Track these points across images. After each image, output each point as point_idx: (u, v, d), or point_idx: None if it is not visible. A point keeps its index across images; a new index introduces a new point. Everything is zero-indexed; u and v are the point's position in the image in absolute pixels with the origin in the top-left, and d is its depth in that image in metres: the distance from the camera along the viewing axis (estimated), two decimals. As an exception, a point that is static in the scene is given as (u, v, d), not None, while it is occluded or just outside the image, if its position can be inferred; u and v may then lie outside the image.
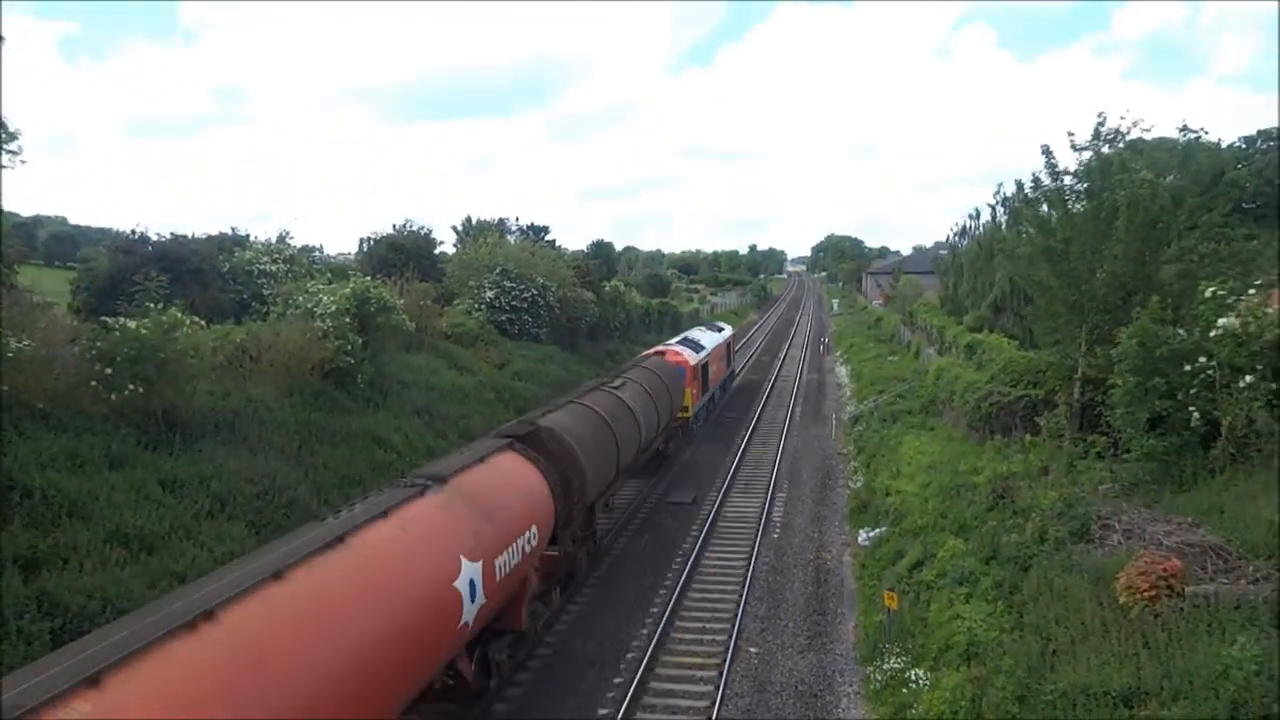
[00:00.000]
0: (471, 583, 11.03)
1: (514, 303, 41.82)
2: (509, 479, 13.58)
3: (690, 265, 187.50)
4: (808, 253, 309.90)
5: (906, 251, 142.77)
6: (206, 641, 6.67)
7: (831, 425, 36.57)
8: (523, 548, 13.06)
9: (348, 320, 24.84)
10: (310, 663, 7.50)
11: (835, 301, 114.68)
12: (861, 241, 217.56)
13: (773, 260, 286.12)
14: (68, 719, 5.14)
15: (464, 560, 10.93)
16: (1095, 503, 15.56)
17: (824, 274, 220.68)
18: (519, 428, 16.39)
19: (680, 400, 29.91)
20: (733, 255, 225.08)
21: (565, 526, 16.18)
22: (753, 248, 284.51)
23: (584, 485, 16.90)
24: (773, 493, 26.67)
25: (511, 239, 59.98)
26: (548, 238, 69.58)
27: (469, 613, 10.98)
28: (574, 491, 16.43)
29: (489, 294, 41.48)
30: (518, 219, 73.18)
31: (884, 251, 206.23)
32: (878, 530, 21.60)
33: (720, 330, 46.38)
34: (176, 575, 13.82)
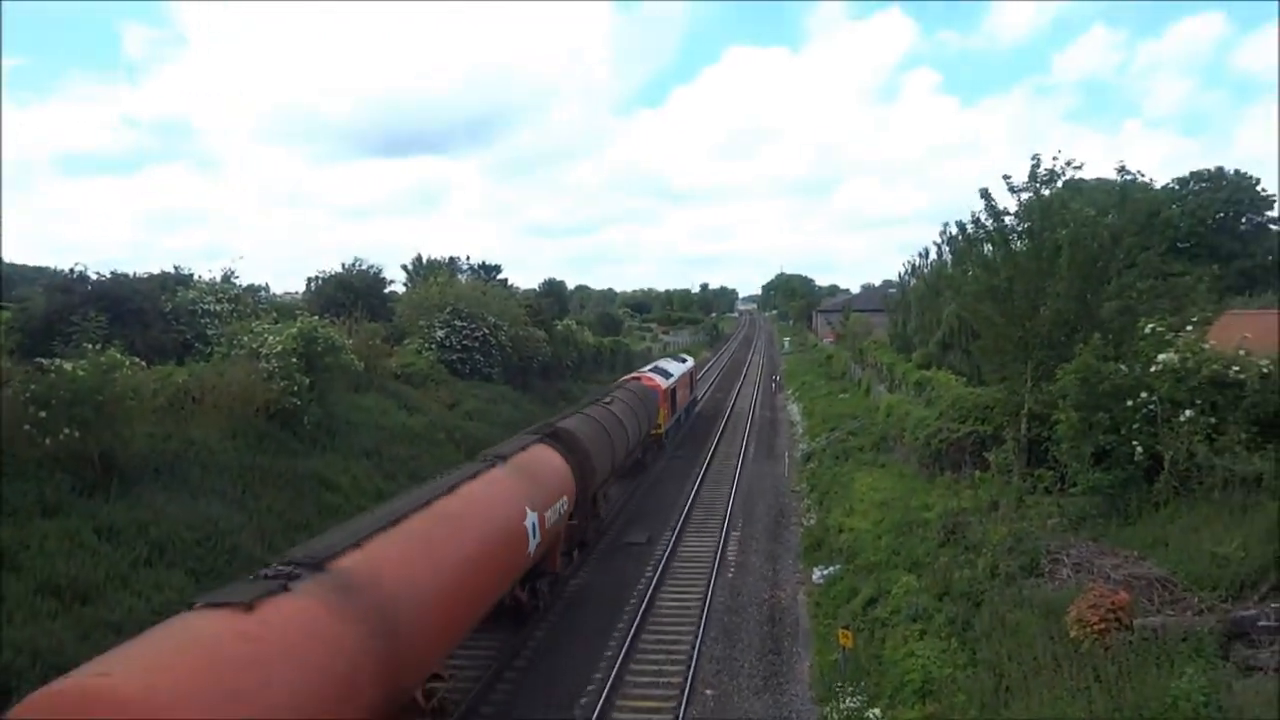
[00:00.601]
0: (533, 525, 16.48)
1: (465, 342, 41.57)
2: (545, 462, 19.25)
3: (643, 304, 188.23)
4: (759, 291, 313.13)
5: (856, 290, 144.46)
6: (401, 532, 11.97)
7: (784, 462, 36.76)
8: (559, 509, 18.57)
9: (294, 360, 24.42)
10: (456, 551, 12.88)
11: (786, 340, 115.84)
12: (812, 280, 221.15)
13: (724, 299, 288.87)
14: (358, 556, 10.54)
15: (528, 509, 16.39)
16: (1044, 537, 15.77)
17: (775, 312, 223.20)
18: (544, 428, 21.92)
19: (655, 418, 36.63)
20: (685, 294, 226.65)
21: (581, 504, 21.56)
22: (704, 286, 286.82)
23: (593, 472, 22.59)
24: (727, 531, 26.62)
25: (462, 278, 59.73)
26: (499, 276, 69.45)
27: (531, 545, 16.43)
28: (587, 475, 21.85)
29: (439, 333, 41.19)
30: (468, 258, 73.04)
31: (834, 290, 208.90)
32: (831, 568, 21.64)
33: (684, 361, 53.03)
34: (112, 626, 13.33)
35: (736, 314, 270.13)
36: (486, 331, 42.47)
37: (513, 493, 16.33)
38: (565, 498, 19.33)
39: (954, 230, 32.24)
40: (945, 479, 23.58)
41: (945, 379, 31.66)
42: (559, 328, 57.24)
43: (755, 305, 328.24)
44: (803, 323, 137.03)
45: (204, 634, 8.16)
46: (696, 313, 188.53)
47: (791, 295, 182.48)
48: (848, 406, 44.37)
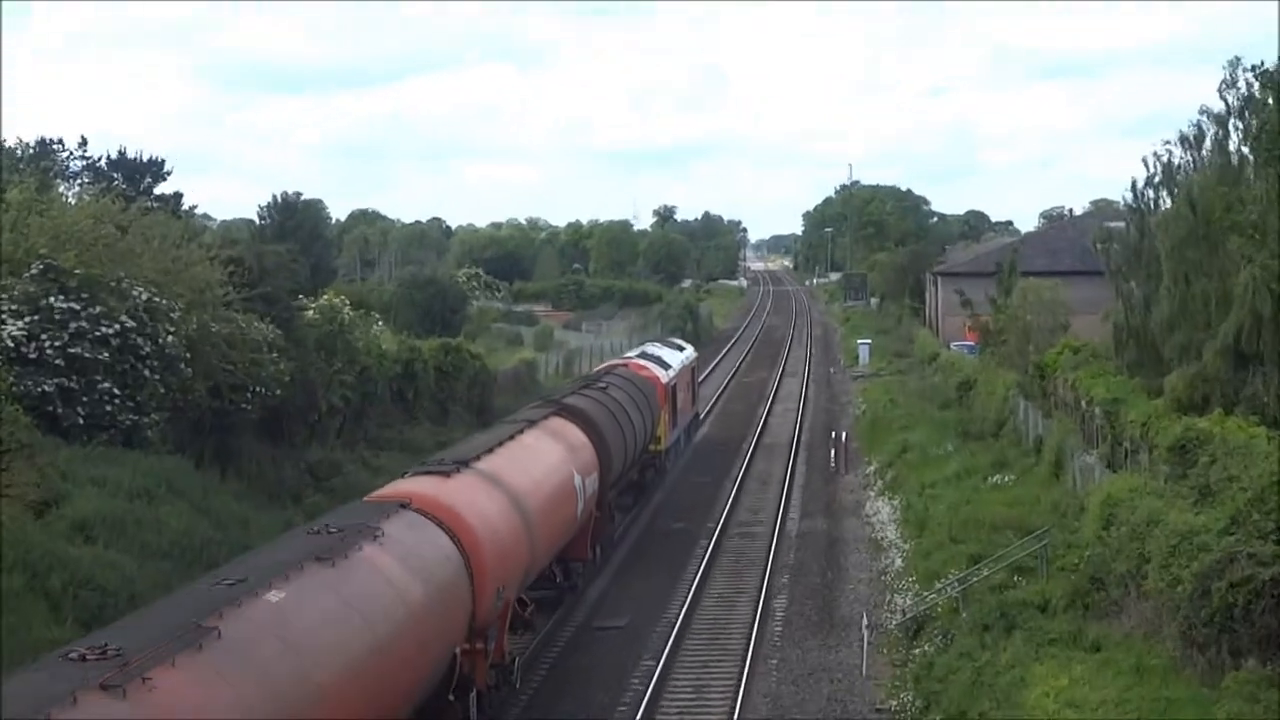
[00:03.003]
0: (579, 485, 40.73)
1: (75, 348, 41.08)
2: (572, 433, 43.01)
3: (514, 258, 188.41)
4: (796, 228, 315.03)
5: (1027, 225, 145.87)
6: (501, 456, 35.83)
7: (861, 641, 36.83)
8: (593, 483, 42.80)
9: None
10: (542, 478, 37.77)
11: (863, 345, 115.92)
12: (924, 201, 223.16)
13: (715, 246, 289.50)
14: (484, 463, 34.71)
15: (574, 471, 40.64)
16: None
17: (836, 276, 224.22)
18: (549, 403, 45.88)
19: (654, 424, 56.70)
20: (619, 232, 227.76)
21: (602, 494, 44.01)
22: (666, 216, 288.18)
23: (610, 458, 44.32)
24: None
25: (70, 194, 59.01)
26: (159, 189, 68.95)
27: (578, 507, 40.72)
28: (606, 460, 43.97)
29: (12, 328, 40.63)
30: (84, 145, 72.37)
31: (973, 224, 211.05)
32: None
33: (682, 349, 75.18)
34: None
35: (740, 282, 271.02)
36: (131, 323, 42.02)
37: (559, 453, 39.73)
38: (595, 474, 42.75)
39: (1251, 85, 32.53)
40: (1244, 676, 23.78)
41: (1241, 436, 31.86)
42: (311, 314, 56.80)
43: (788, 260, 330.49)
44: (902, 302, 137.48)
45: (429, 482, 30.67)
46: (649, 280, 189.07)
47: (875, 235, 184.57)
48: (1008, 503, 44.91)
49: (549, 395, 49.42)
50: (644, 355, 65.78)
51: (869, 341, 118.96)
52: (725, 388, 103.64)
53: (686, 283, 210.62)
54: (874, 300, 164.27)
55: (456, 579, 26.32)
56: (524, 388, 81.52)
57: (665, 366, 63.10)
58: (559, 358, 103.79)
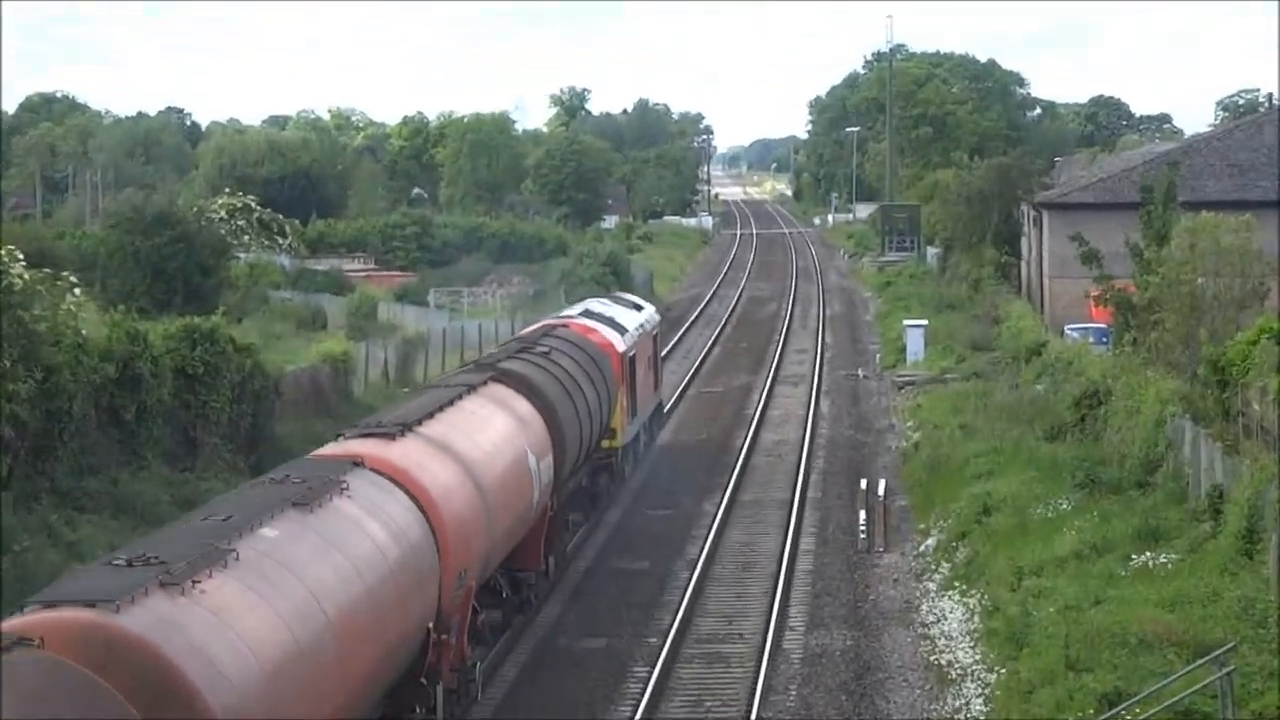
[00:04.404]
0: (534, 468, 58.96)
1: None
2: (518, 403, 61.75)
3: (309, 180, 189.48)
4: (797, 129, 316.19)
5: (1196, 123, 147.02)
6: (423, 437, 50.15)
7: None
8: (548, 468, 61.52)
9: None
10: (493, 450, 55.47)
11: (914, 330, 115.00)
12: (1017, 80, 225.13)
13: (658, 160, 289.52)
14: (427, 429, 52.09)
15: (527, 450, 59.01)
16: None
17: (867, 212, 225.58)
18: (483, 367, 66.50)
19: (609, 408, 70.66)
20: (493, 134, 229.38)
21: (557, 485, 63.24)
22: (573, 109, 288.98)
23: (564, 441, 62.26)
24: None
25: None
26: None
27: (534, 494, 58.74)
28: (559, 443, 61.64)
29: None
30: None
31: (1102, 121, 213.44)
32: None
33: (640, 309, 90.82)
34: None
35: (705, 220, 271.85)
36: None
37: (509, 424, 56.58)
38: (550, 457, 58.78)
39: None
40: None
41: None
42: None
43: (787, 182, 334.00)
44: (978, 253, 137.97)
45: (375, 444, 46.54)
46: (544, 218, 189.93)
47: (935, 137, 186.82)
48: (1166, 603, 45.33)
49: (482, 360, 66.57)
50: (589, 315, 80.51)
51: (924, 324, 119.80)
52: (677, 403, 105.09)
53: (609, 222, 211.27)
54: (932, 251, 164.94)
55: (425, 545, 38.97)
56: (328, 404, 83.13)
57: (620, 330, 79.04)
58: (389, 352, 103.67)
